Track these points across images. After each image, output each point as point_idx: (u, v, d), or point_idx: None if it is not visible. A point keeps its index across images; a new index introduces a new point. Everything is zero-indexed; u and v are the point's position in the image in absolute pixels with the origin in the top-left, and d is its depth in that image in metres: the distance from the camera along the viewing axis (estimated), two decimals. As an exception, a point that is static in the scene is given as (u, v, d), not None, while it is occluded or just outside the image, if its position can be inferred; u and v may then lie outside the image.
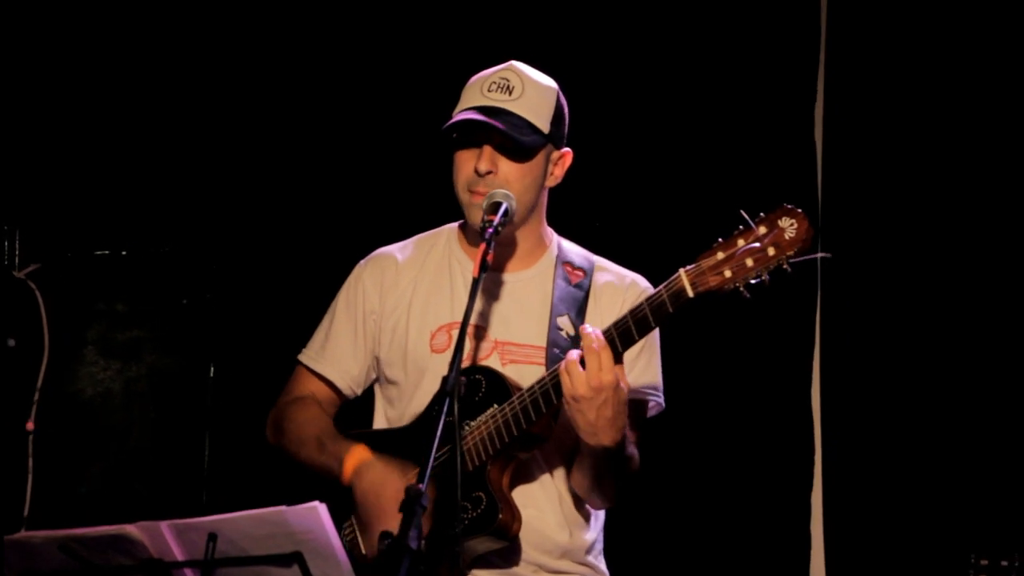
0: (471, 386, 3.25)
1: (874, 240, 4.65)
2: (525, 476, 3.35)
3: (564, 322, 3.38)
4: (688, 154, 4.85)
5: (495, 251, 3.16)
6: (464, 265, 3.47)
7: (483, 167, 3.31)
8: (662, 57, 4.87)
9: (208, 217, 5.03)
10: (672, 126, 4.87)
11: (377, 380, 3.54)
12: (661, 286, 3.05)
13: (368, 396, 3.57)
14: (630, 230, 4.76)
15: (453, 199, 3.40)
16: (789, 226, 2.96)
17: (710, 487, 4.78)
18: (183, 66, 5.03)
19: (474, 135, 3.34)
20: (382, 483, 3.26)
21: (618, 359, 3.09)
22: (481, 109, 3.33)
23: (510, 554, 3.32)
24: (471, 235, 3.47)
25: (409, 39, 5.03)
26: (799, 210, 2.97)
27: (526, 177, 3.34)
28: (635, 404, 3.31)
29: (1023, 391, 4.49)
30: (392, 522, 3.13)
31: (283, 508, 2.81)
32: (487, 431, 3.22)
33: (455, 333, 3.38)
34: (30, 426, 4.75)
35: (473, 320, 3.28)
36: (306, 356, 3.58)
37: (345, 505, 3.34)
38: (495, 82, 3.37)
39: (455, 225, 3.55)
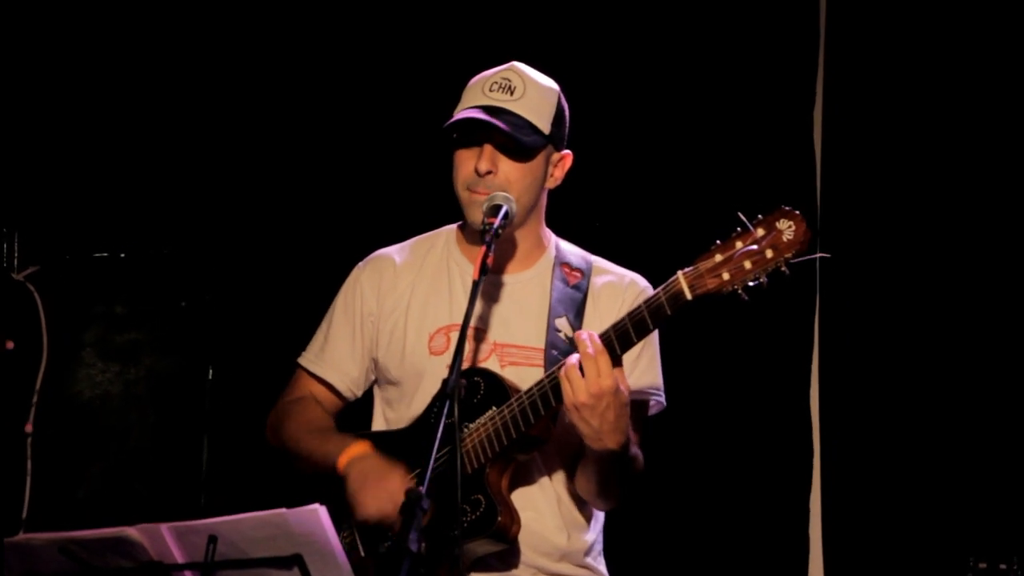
0: (470, 388, 3.25)
1: (873, 241, 4.65)
2: (524, 478, 3.34)
3: (562, 324, 3.38)
4: (687, 156, 4.85)
5: (494, 252, 3.16)
6: (462, 267, 3.47)
7: (483, 166, 3.31)
8: (662, 59, 4.87)
9: (206, 219, 5.03)
10: (671, 128, 4.87)
11: (376, 382, 3.54)
12: (659, 288, 3.05)
13: (367, 398, 3.57)
14: (628, 232, 4.76)
15: (452, 200, 3.40)
16: (787, 228, 2.95)
17: (709, 490, 4.78)
18: (182, 68, 5.04)
19: (475, 134, 3.34)
20: (377, 476, 3.25)
21: (617, 362, 3.09)
22: (482, 108, 3.33)
23: (509, 557, 3.31)
24: (470, 236, 3.47)
25: (409, 40, 5.03)
26: (797, 212, 2.96)
27: (526, 177, 3.34)
28: (637, 405, 3.31)
29: (1021, 394, 4.49)
30: (370, 513, 3.17)
31: (284, 510, 2.81)
32: (486, 433, 3.22)
33: (453, 335, 3.38)
34: (29, 428, 4.75)
35: (472, 322, 3.28)
36: (305, 359, 3.58)
37: (345, 507, 3.35)
38: (496, 82, 3.37)
39: (453, 227, 3.55)
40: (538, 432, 3.22)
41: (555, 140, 3.39)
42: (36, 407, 4.75)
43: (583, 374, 3.06)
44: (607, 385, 3.05)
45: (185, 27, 5.03)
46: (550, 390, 3.15)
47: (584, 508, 3.42)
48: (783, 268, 2.96)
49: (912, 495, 4.57)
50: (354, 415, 3.58)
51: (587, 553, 3.43)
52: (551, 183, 3.43)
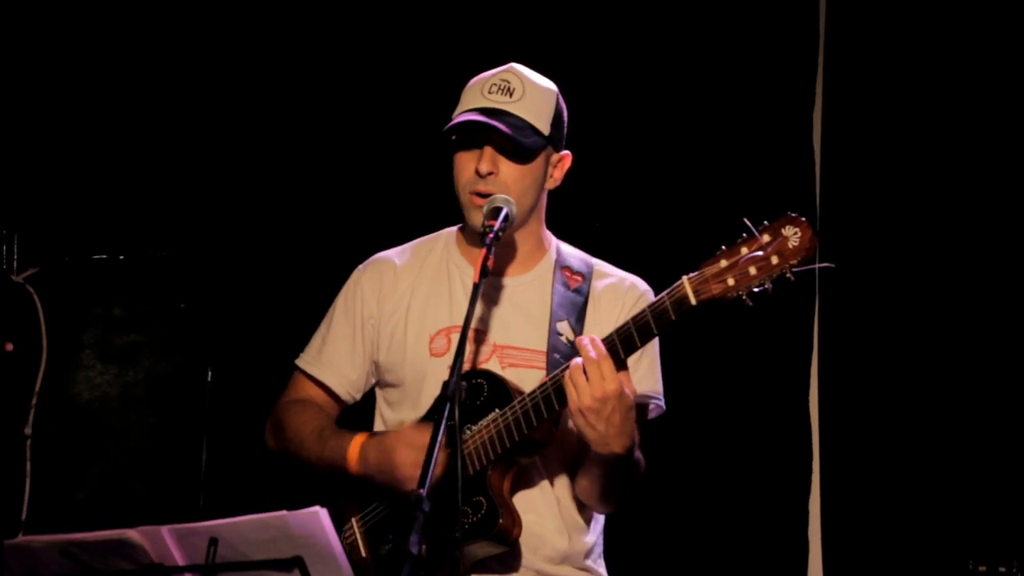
0: (473, 390, 3.25)
1: (872, 247, 4.65)
2: (524, 481, 3.34)
3: (564, 327, 3.38)
4: (685, 157, 4.85)
5: (494, 254, 3.16)
6: (462, 269, 3.47)
7: (484, 168, 3.31)
8: (661, 61, 4.88)
9: (206, 221, 5.03)
10: (671, 131, 4.87)
11: (377, 384, 3.54)
12: (664, 293, 3.05)
13: (368, 399, 3.57)
14: (628, 234, 4.76)
15: (451, 203, 3.40)
16: (793, 235, 2.95)
17: (709, 493, 4.79)
18: (182, 70, 5.03)
19: (475, 136, 3.34)
20: (402, 439, 3.24)
21: (622, 365, 3.09)
22: (482, 111, 3.34)
23: (510, 559, 3.31)
24: (470, 237, 3.47)
25: (408, 42, 5.03)
26: (803, 219, 2.96)
27: (526, 178, 3.34)
28: (637, 408, 3.29)
29: (1020, 398, 4.50)
30: (409, 472, 3.16)
31: (284, 513, 2.81)
32: (488, 435, 3.22)
33: (454, 337, 3.38)
34: (28, 430, 4.74)
35: (472, 324, 3.28)
36: (303, 361, 3.57)
37: (343, 509, 3.35)
38: (495, 84, 3.37)
39: (453, 229, 3.55)
40: (541, 435, 3.21)
41: (554, 141, 3.40)
42: (35, 409, 4.74)
43: (587, 378, 3.06)
44: (611, 389, 3.05)
45: (185, 29, 5.03)
46: (553, 392, 3.14)
47: (584, 511, 3.42)
48: (788, 275, 2.96)
49: (911, 498, 4.57)
50: (355, 416, 3.58)
51: (587, 555, 3.43)
52: (551, 184, 3.44)
